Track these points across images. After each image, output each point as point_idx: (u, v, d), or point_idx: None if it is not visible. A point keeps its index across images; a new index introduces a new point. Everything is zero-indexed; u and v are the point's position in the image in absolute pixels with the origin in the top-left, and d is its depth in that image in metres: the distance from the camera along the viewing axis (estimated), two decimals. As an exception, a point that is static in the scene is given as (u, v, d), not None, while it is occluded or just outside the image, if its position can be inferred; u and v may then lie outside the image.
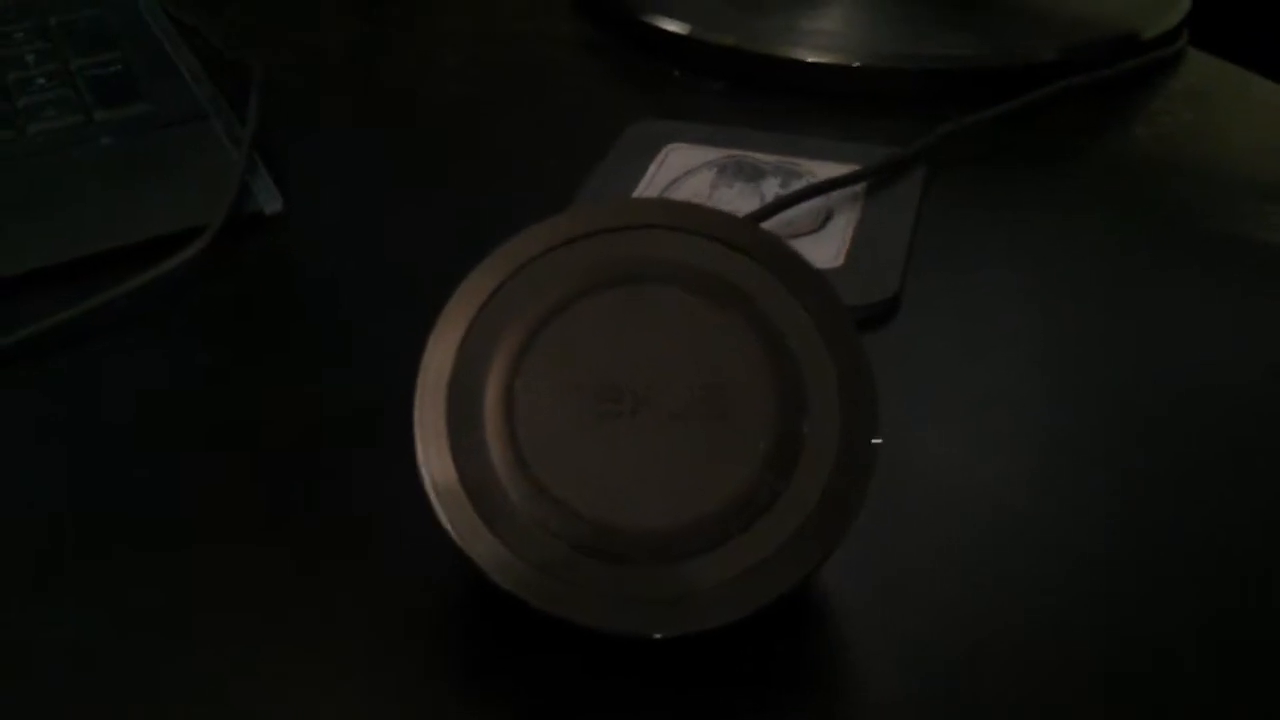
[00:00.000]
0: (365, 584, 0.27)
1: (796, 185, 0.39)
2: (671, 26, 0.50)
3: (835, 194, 0.39)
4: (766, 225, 0.37)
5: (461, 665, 0.25)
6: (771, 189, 0.39)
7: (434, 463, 0.24)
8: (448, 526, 0.24)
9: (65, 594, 0.26)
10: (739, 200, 0.39)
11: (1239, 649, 0.25)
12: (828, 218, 0.38)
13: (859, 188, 0.39)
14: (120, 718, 0.24)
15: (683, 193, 0.39)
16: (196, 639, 0.25)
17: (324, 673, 0.25)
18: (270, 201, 0.39)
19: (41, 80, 0.43)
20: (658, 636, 0.23)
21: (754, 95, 0.47)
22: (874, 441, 0.24)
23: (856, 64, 0.47)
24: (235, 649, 0.25)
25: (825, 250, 0.36)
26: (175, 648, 0.25)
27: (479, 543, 0.24)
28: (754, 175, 0.40)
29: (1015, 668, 0.25)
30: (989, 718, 0.24)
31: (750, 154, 0.41)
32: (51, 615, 0.26)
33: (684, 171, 0.40)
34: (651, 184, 0.40)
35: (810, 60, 0.47)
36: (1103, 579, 0.27)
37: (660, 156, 0.41)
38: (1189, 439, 0.31)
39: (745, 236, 0.25)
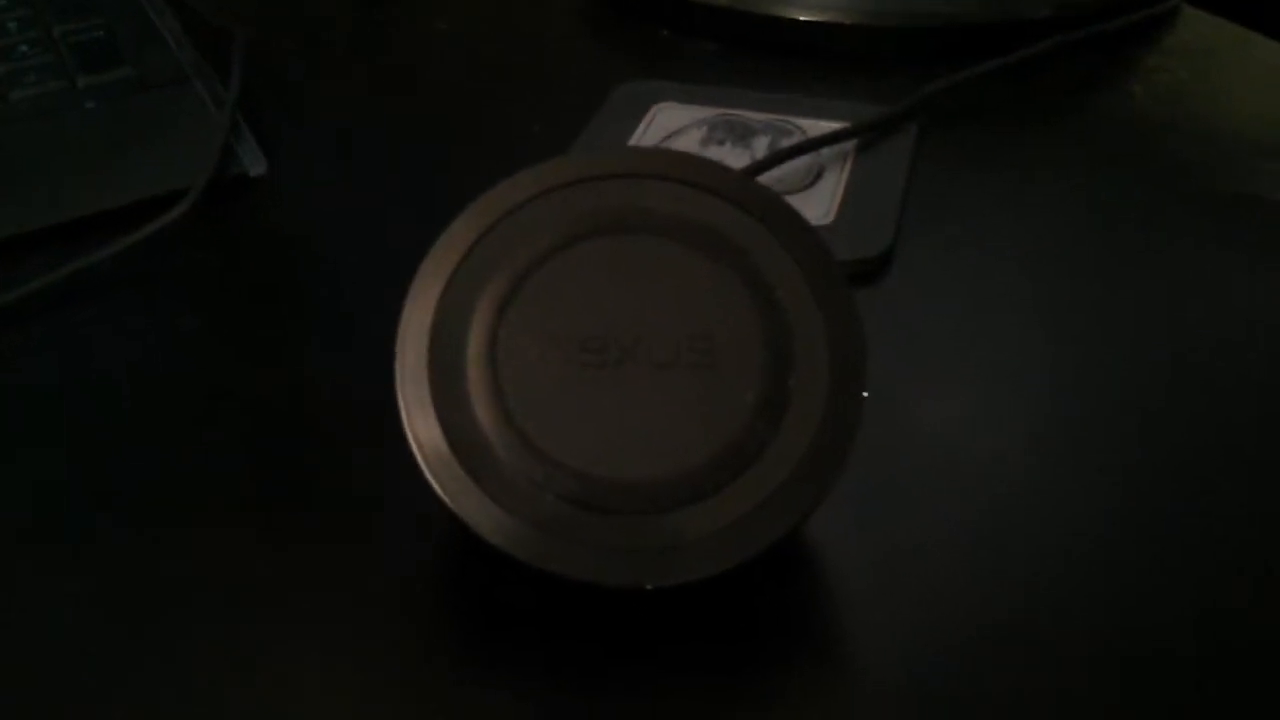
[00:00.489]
0: (357, 550, 0.26)
1: (787, 143, 0.39)
2: (660, -13, 0.49)
3: (826, 151, 0.38)
4: (757, 183, 0.36)
5: (455, 625, 0.25)
6: (762, 147, 0.39)
7: (417, 419, 0.24)
8: (434, 484, 0.23)
9: (51, 567, 0.26)
10: (729, 158, 0.38)
11: (1237, 628, 0.25)
12: (818, 175, 0.37)
13: (850, 145, 0.39)
14: (109, 697, 0.23)
15: (672, 152, 0.39)
16: (185, 618, 0.25)
17: (320, 645, 0.24)
18: (255, 163, 0.39)
19: (24, 47, 0.43)
20: (649, 587, 0.23)
21: (745, 55, 0.47)
22: (862, 395, 0.24)
23: (848, 22, 0.46)
24: (224, 628, 0.25)
25: (816, 207, 0.36)
26: (165, 626, 0.25)
27: (466, 499, 0.23)
28: (744, 133, 0.39)
29: (1005, 621, 0.25)
30: (976, 665, 0.24)
31: (740, 112, 0.41)
32: (36, 593, 0.26)
33: (673, 130, 0.40)
34: (640, 143, 0.39)
35: (802, 19, 0.46)
36: (1098, 540, 0.27)
37: (649, 116, 0.41)
38: (1188, 398, 0.30)
39: (737, 188, 0.25)
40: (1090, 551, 0.26)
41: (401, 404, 0.24)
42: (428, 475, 0.24)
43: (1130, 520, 0.27)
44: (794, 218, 0.25)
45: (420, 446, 0.24)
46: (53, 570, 0.26)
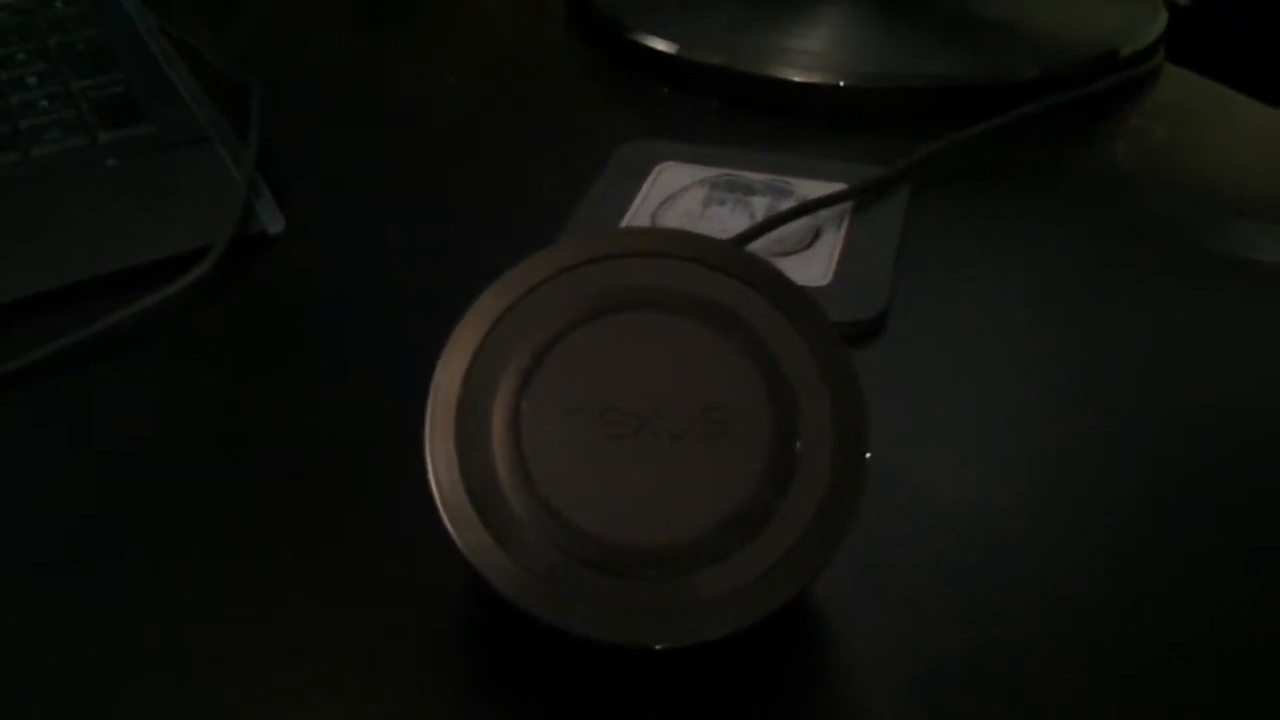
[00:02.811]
0: (371, 599, 0.28)
1: (785, 203, 0.40)
2: (661, 46, 0.51)
3: (823, 213, 0.40)
4: (756, 243, 0.38)
5: (468, 676, 0.26)
6: (761, 206, 0.40)
7: (444, 480, 0.25)
8: (457, 541, 0.25)
9: (71, 613, 0.27)
10: (730, 218, 0.40)
11: (1234, 664, 0.26)
12: (816, 236, 0.39)
13: (846, 206, 0.40)
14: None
15: (676, 210, 0.40)
16: (204, 651, 0.26)
17: (329, 684, 0.26)
18: (273, 222, 0.40)
19: (44, 102, 0.44)
20: (658, 647, 0.24)
21: (744, 113, 0.48)
22: (865, 457, 0.25)
23: (842, 83, 0.48)
24: (238, 661, 0.26)
25: (814, 268, 0.37)
26: (185, 660, 0.26)
27: (487, 557, 0.25)
28: (744, 193, 0.41)
29: (1009, 679, 0.26)
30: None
31: (740, 173, 0.42)
32: (55, 631, 0.27)
33: (675, 190, 0.41)
34: (645, 202, 0.41)
35: (797, 80, 0.48)
36: (1094, 593, 0.28)
37: (653, 175, 0.42)
38: (1176, 453, 0.32)
39: (743, 265, 0.27)
40: (1088, 605, 0.27)
41: (429, 466, 0.25)
42: (451, 533, 0.25)
43: (1128, 575, 0.28)
44: (797, 293, 0.26)
45: (446, 507, 0.25)
46: (79, 607, 0.27)
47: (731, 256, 0.27)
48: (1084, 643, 0.27)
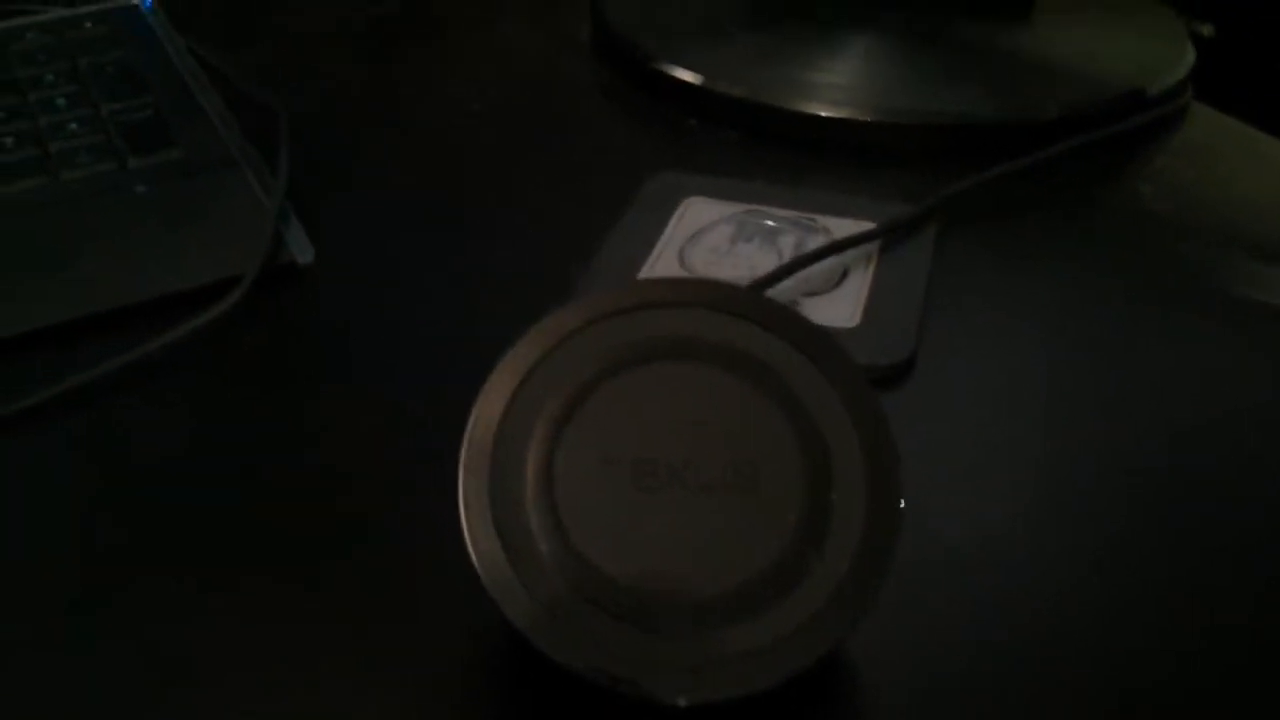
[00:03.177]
0: (401, 638, 0.28)
1: (812, 241, 0.40)
2: (686, 76, 0.51)
3: (850, 251, 0.40)
4: (784, 283, 0.38)
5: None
6: (788, 244, 0.40)
7: (477, 529, 0.25)
8: (490, 590, 0.25)
9: (90, 639, 0.27)
10: (757, 255, 0.40)
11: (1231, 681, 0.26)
12: (843, 276, 0.39)
13: (873, 245, 0.40)
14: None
15: (703, 246, 0.40)
16: (232, 689, 0.26)
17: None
18: (302, 252, 0.40)
19: (74, 125, 0.44)
20: (682, 703, 0.24)
21: (768, 145, 0.48)
22: (899, 508, 0.25)
23: (866, 119, 0.48)
24: (265, 695, 0.26)
25: (842, 310, 0.37)
26: (216, 697, 0.26)
27: (518, 606, 0.25)
28: (771, 231, 0.41)
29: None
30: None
31: (767, 208, 0.42)
32: (75, 668, 0.27)
33: (703, 225, 0.41)
34: (672, 238, 0.41)
35: (822, 114, 0.48)
36: (1124, 644, 0.28)
37: (680, 209, 0.42)
38: (1205, 497, 0.32)
39: (775, 316, 0.27)
40: (1113, 649, 0.27)
41: (463, 515, 0.25)
42: (484, 580, 0.25)
43: (1163, 632, 0.28)
44: (825, 339, 0.27)
45: (478, 555, 0.25)
46: (99, 635, 0.27)
47: (758, 305, 0.27)
48: (1108, 685, 0.27)
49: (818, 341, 0.27)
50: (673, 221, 0.42)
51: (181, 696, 0.26)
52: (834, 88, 0.50)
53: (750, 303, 0.27)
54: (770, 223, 0.42)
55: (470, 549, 0.25)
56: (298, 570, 0.29)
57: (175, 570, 0.29)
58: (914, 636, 0.28)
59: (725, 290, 0.27)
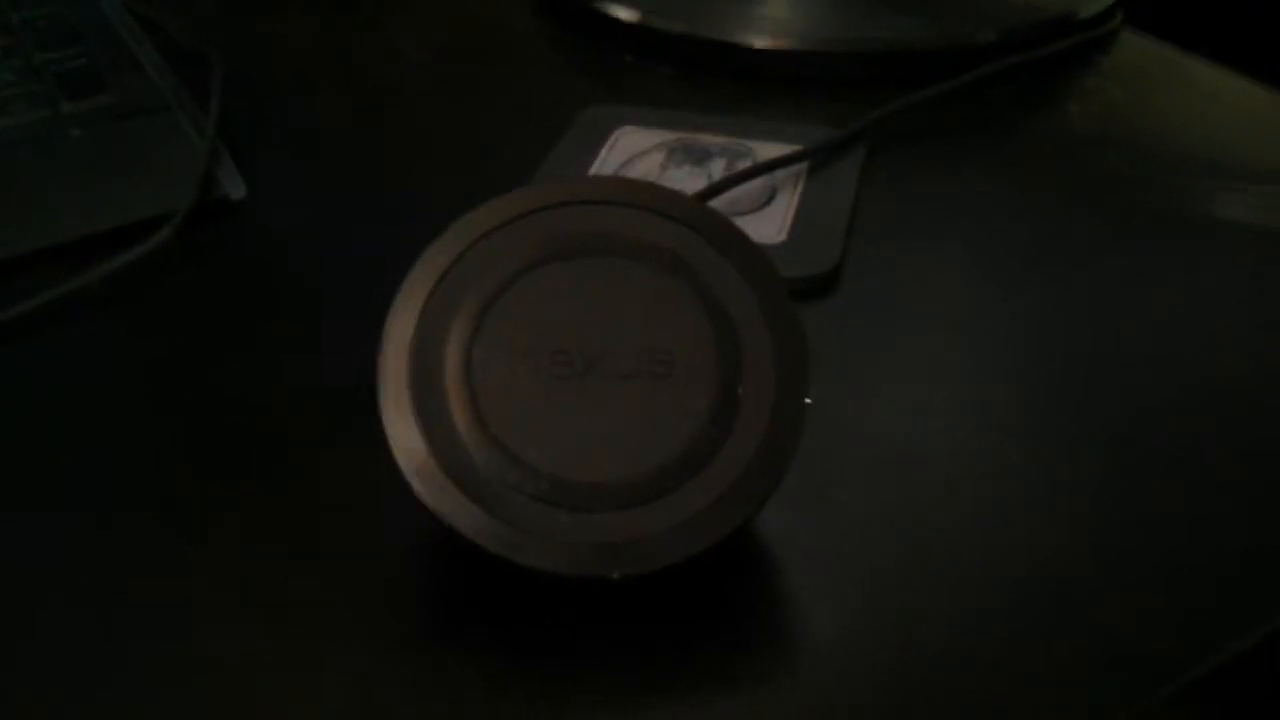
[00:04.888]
0: (343, 551, 0.28)
1: (742, 165, 0.41)
2: (623, 14, 0.51)
3: (779, 173, 0.41)
4: (713, 203, 0.39)
5: (431, 617, 0.27)
6: (718, 169, 0.41)
7: (399, 426, 0.26)
8: (415, 485, 0.25)
9: (39, 564, 0.28)
10: (687, 181, 0.40)
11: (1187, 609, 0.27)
12: (771, 196, 0.40)
13: (801, 167, 0.41)
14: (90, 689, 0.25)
15: (634, 173, 0.41)
16: (181, 619, 0.27)
17: (305, 645, 0.26)
18: (235, 188, 0.40)
19: (8, 76, 0.44)
20: (615, 576, 0.25)
21: (703, 79, 0.49)
22: (805, 401, 0.26)
23: (801, 48, 0.48)
24: (216, 628, 0.27)
25: (768, 227, 0.38)
26: (148, 625, 0.27)
27: (446, 500, 0.25)
28: (702, 157, 0.42)
29: (941, 600, 0.27)
30: (925, 651, 0.26)
31: (698, 136, 0.43)
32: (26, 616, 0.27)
33: (635, 154, 0.42)
34: (603, 167, 0.41)
35: (757, 45, 0.49)
36: (1034, 543, 0.29)
37: (611, 140, 0.43)
38: (1126, 410, 0.32)
39: (693, 214, 0.27)
40: (1019, 543, 0.28)
41: (385, 415, 0.26)
42: (409, 476, 0.25)
43: (1081, 525, 0.29)
44: (744, 240, 0.27)
45: (404, 454, 0.26)
46: (40, 562, 0.27)
47: (676, 203, 0.27)
48: (1016, 582, 0.27)
49: (734, 239, 0.27)
50: (604, 150, 0.42)
51: (122, 616, 0.27)
52: (768, 20, 0.50)
53: (666, 200, 0.27)
54: (701, 150, 0.42)
55: (393, 449, 0.26)
56: (238, 503, 0.30)
57: (103, 504, 0.30)
58: (825, 520, 0.29)
59: (641, 188, 0.27)
